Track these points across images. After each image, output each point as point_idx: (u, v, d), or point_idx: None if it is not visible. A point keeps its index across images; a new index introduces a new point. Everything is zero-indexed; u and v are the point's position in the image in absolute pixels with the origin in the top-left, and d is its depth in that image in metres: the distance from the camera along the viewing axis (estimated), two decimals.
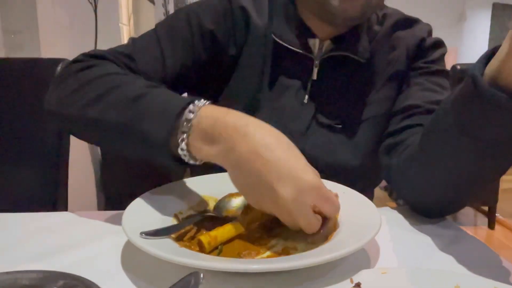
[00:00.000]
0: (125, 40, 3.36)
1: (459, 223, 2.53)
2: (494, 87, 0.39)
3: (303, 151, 0.42)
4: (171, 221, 0.47)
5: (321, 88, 0.67)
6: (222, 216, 0.49)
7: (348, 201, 0.47)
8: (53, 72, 0.80)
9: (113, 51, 0.61)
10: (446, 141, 0.46)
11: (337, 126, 0.67)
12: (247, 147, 0.40)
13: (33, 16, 1.71)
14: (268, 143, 0.41)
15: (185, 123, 0.44)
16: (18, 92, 0.84)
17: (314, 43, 0.67)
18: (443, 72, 0.70)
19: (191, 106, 0.45)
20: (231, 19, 0.67)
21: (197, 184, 0.56)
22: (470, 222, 2.58)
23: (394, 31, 0.72)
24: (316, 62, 0.67)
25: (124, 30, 3.32)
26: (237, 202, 0.51)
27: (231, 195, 0.52)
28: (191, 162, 0.46)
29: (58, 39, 1.92)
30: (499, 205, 2.26)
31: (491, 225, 2.44)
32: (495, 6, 9.80)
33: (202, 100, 0.46)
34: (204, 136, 0.43)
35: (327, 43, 0.68)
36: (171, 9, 4.55)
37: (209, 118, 0.43)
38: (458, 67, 1.64)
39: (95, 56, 0.59)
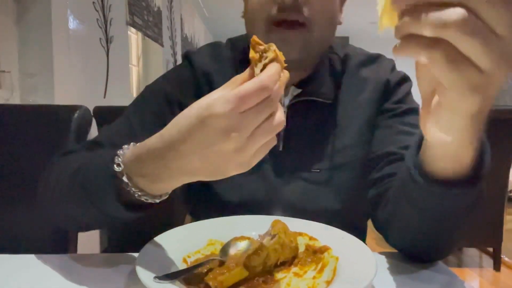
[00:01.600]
0: (134, 81, 3.48)
1: (464, 265, 2.49)
2: (426, 175, 0.44)
3: (283, 199, 0.44)
4: (180, 264, 0.49)
5: (294, 134, 0.67)
6: (228, 259, 0.51)
7: (346, 247, 0.50)
8: (69, 119, 0.85)
9: (84, 142, 0.65)
10: (407, 204, 0.49)
11: (315, 171, 0.67)
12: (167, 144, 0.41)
13: (49, 59, 1.80)
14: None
15: (122, 177, 0.44)
16: (35, 137, 0.88)
17: None
18: (412, 110, 0.69)
19: (116, 159, 0.46)
20: (196, 85, 0.69)
21: (203, 228, 0.58)
22: (475, 264, 2.54)
23: (358, 71, 0.72)
24: (284, 109, 0.67)
25: (133, 71, 3.45)
26: (242, 245, 0.53)
27: (236, 239, 0.54)
28: (153, 200, 0.46)
29: (72, 81, 2.01)
30: (505, 246, 2.24)
31: (496, 267, 2.40)
32: None
33: (125, 148, 0.47)
34: (140, 171, 0.44)
35: (292, 89, 0.69)
36: (179, 51, 4.72)
37: (133, 160, 0.44)
38: None
39: (68, 152, 0.62)
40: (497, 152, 1.98)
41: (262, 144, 0.40)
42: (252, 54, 0.41)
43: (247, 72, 0.40)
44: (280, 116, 0.40)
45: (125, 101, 2.76)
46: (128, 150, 0.46)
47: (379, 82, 0.71)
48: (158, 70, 3.88)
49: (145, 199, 0.45)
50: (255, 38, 0.41)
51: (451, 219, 0.47)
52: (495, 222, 2.09)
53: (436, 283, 0.50)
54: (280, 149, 0.68)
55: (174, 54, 4.49)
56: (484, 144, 0.43)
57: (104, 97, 2.36)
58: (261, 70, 0.39)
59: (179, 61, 5.31)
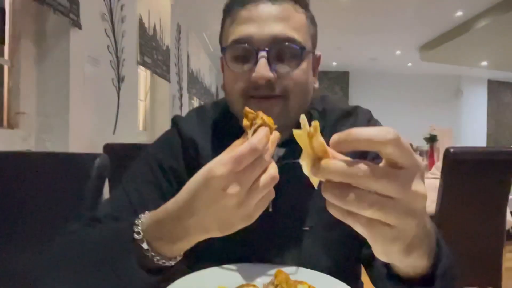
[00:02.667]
0: (141, 115, 3.58)
1: None
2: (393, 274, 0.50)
3: (275, 258, 0.47)
4: None
5: (283, 194, 0.64)
6: None
7: None
8: (90, 167, 0.92)
9: (83, 218, 0.66)
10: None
11: (305, 229, 0.68)
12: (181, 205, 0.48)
13: (65, 101, 1.89)
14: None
15: (141, 244, 0.49)
16: (55, 184, 0.92)
17: None
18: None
19: (135, 228, 0.50)
20: (184, 150, 0.73)
21: (211, 275, 0.62)
22: None
23: (336, 126, 0.74)
24: None
25: (140, 106, 3.56)
26: None
27: (242, 286, 0.58)
28: (169, 262, 0.51)
29: (85, 121, 2.09)
30: (505, 285, 2.24)
31: None
32: (490, 82, 10.23)
33: (142, 216, 0.51)
34: (160, 234, 0.49)
35: (277, 150, 0.71)
36: (185, 85, 4.86)
37: (152, 224, 0.50)
38: (452, 150, 1.72)
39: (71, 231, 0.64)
40: (495, 191, 2.01)
41: (261, 197, 0.46)
42: (245, 122, 0.48)
43: (242, 138, 0.48)
44: (273, 171, 0.46)
45: (132, 136, 2.85)
46: (145, 218, 0.51)
47: None
48: (165, 105, 4.00)
49: (163, 262, 0.50)
50: (247, 108, 0.49)
51: None
52: (494, 261, 2.10)
53: None
54: (270, 209, 0.68)
55: (180, 89, 4.63)
56: (439, 246, 0.48)
57: (114, 133, 2.45)
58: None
59: (185, 95, 5.39)
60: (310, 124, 0.40)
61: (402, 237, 0.38)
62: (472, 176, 1.80)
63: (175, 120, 0.80)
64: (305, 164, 0.40)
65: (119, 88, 2.53)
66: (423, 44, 7.07)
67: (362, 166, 0.36)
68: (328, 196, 0.37)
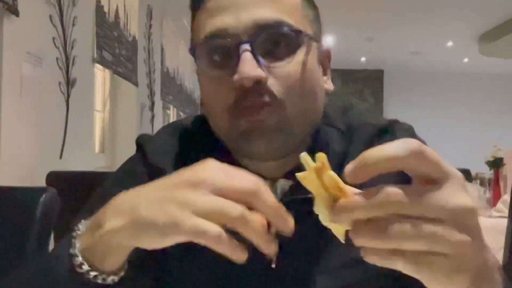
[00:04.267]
0: (97, 132, 3.63)
1: None
2: None
3: None
4: None
5: (289, 244, 0.59)
6: None
7: None
8: (33, 206, 0.95)
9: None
10: None
11: (318, 274, 0.71)
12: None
13: None
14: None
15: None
16: None
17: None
18: None
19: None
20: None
21: None
22: None
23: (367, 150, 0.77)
24: None
25: (97, 119, 3.61)
26: None
27: None
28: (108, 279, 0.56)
29: (22, 139, 2.13)
30: None
31: None
32: None
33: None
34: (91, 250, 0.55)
35: (282, 183, 0.73)
36: (158, 91, 4.94)
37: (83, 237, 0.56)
38: None
39: None
40: None
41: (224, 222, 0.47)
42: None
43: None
44: (262, 223, 0.48)
45: (86, 161, 2.88)
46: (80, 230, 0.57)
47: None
48: (130, 117, 4.05)
49: (103, 279, 0.55)
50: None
51: None
52: None
53: None
54: (273, 265, 0.68)
55: (152, 94, 4.70)
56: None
57: (61, 157, 2.49)
58: None
59: (157, 103, 5.49)
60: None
61: (465, 266, 0.42)
62: None
63: (140, 143, 0.82)
64: (322, 212, 0.43)
65: (69, 95, 2.58)
66: (483, 33, 7.20)
67: (389, 191, 0.40)
68: (362, 241, 0.41)
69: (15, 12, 2.01)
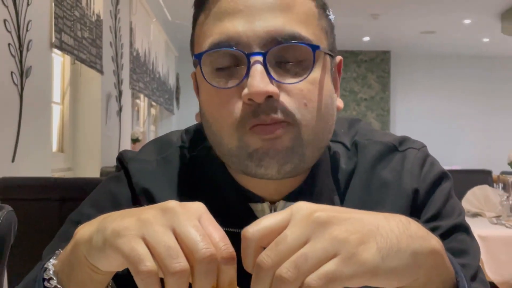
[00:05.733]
0: (56, 129, 3.61)
1: None
2: None
3: None
4: None
5: None
6: None
7: None
8: None
9: None
10: None
11: None
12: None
13: None
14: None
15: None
16: None
17: (263, 209, 0.77)
18: (456, 228, 0.77)
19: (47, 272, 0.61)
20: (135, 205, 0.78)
21: None
22: None
23: (373, 170, 0.79)
24: None
25: (56, 112, 3.59)
26: None
27: None
28: None
29: None
30: None
31: None
32: None
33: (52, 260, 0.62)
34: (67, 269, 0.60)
35: (281, 205, 0.77)
36: (126, 77, 4.92)
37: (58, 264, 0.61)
38: None
39: None
40: None
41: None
42: None
43: None
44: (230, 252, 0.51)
45: (43, 164, 2.88)
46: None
47: (404, 188, 0.79)
48: (94, 109, 4.04)
49: None
50: None
51: None
52: None
53: None
54: None
55: (119, 83, 4.68)
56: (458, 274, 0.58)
57: (13, 160, 2.49)
58: None
59: (126, 93, 5.51)
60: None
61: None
62: None
63: (123, 160, 0.84)
64: None
65: (22, 87, 2.57)
66: (507, 9, 7.24)
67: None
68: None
69: None
